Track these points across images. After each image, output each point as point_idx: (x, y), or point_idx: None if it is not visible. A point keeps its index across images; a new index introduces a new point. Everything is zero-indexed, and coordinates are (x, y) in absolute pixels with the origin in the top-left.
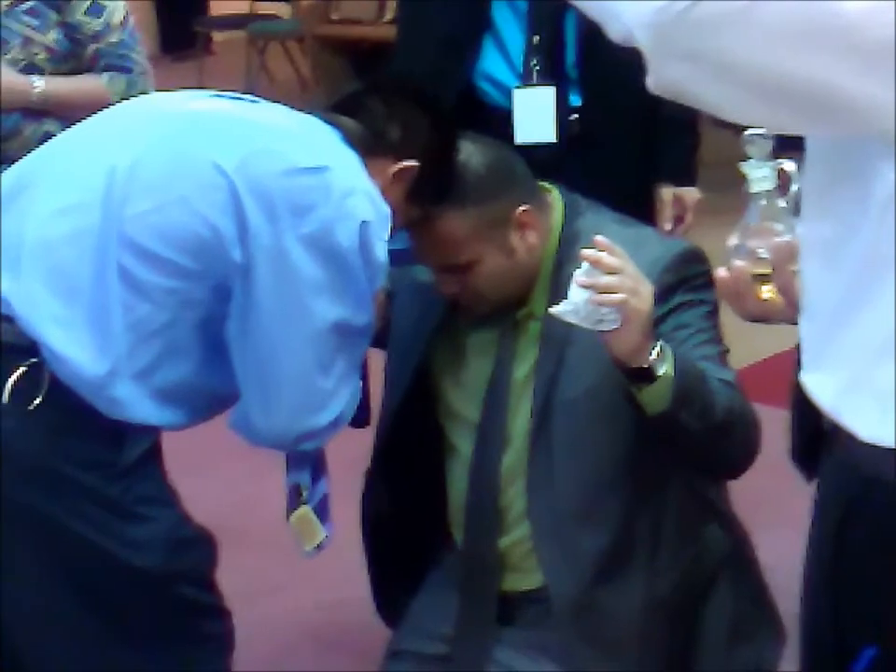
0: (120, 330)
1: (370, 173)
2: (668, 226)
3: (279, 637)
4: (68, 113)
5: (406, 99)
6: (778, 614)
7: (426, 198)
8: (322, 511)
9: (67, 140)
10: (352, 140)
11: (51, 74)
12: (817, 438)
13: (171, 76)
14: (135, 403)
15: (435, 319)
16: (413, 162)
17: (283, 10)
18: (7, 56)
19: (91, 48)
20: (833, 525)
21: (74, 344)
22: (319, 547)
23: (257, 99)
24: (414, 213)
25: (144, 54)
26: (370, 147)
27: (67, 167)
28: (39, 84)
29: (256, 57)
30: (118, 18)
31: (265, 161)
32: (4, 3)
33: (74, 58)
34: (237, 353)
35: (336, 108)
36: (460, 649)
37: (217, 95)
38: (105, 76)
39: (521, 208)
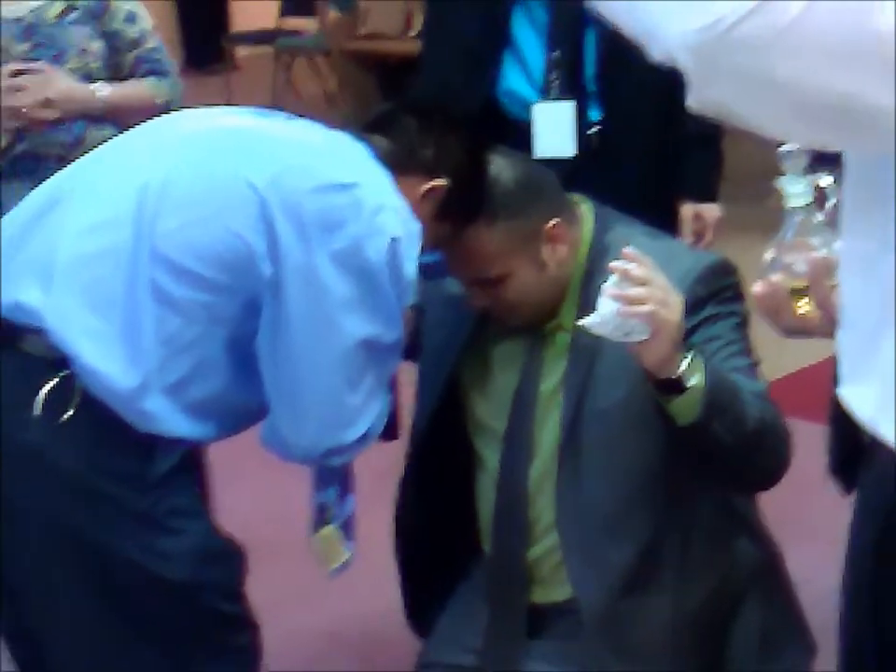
0: (152, 345)
1: (400, 191)
2: (688, 242)
3: (309, 648)
4: (124, 118)
5: (439, 118)
6: (808, 629)
7: (456, 217)
8: (347, 530)
9: (99, 156)
10: (383, 157)
11: (101, 80)
12: (855, 451)
13: (197, 91)
14: (166, 416)
15: (466, 332)
16: (443, 181)
17: (309, 25)
18: (67, 66)
19: (131, 55)
20: (873, 535)
21: (105, 358)
22: (345, 565)
23: (287, 115)
24: (444, 231)
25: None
26: (401, 165)
27: (99, 184)
28: (101, 91)
29: (282, 72)
30: (148, 23)
31: (296, 178)
32: (49, 15)
33: (115, 66)
34: (267, 368)
35: (369, 126)
36: (490, 660)
37: (248, 112)
38: (150, 80)
39: (551, 222)
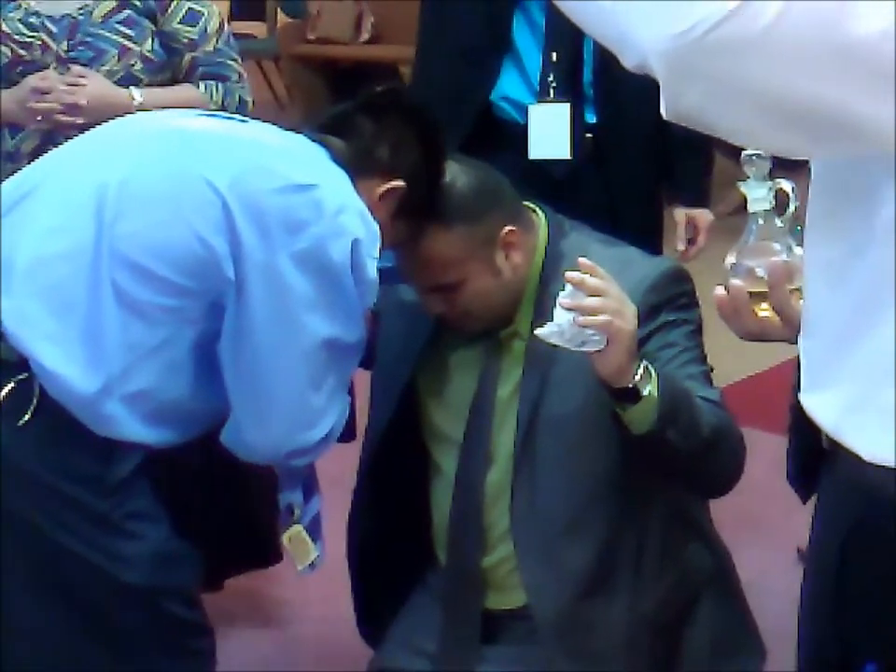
0: (115, 349)
1: (358, 192)
2: (681, 246)
3: (259, 655)
4: None
5: (395, 117)
6: (758, 632)
7: (413, 217)
8: (314, 530)
9: (60, 157)
10: (339, 159)
11: (148, 84)
12: (815, 458)
13: None
14: (126, 421)
15: (421, 339)
16: (400, 182)
17: (259, 30)
18: (104, 67)
19: (188, 56)
20: (836, 542)
21: (65, 361)
22: (312, 566)
23: (244, 118)
24: (402, 232)
25: (240, 62)
26: (358, 167)
27: (59, 184)
28: (137, 96)
29: None
30: (214, 25)
31: (257, 179)
32: (98, 13)
33: (170, 67)
34: (229, 369)
35: (324, 127)
36: (444, 666)
37: (206, 114)
38: (202, 85)
39: (506, 228)
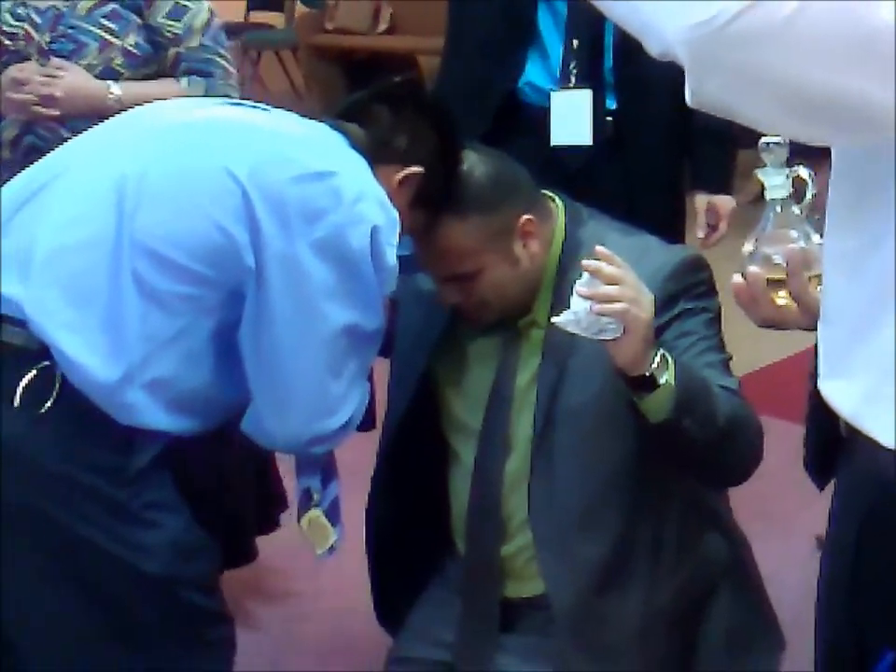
0: (135, 338)
1: (376, 179)
2: (701, 234)
3: (280, 646)
4: None
5: (411, 106)
6: (777, 623)
7: (431, 204)
8: (333, 514)
9: (79, 147)
10: (358, 147)
11: (130, 78)
12: (832, 446)
13: None
14: (147, 409)
15: (438, 328)
16: (418, 169)
17: (277, 20)
18: (83, 61)
19: (172, 51)
20: (853, 529)
21: (87, 350)
22: (332, 549)
23: (265, 106)
24: (420, 219)
25: (229, 58)
26: (376, 154)
27: (78, 175)
28: (116, 90)
29: (249, 66)
30: (200, 21)
31: (276, 168)
32: (82, 6)
33: (155, 61)
34: (250, 358)
35: (342, 115)
36: (462, 655)
37: (225, 103)
38: (184, 80)
39: (524, 217)
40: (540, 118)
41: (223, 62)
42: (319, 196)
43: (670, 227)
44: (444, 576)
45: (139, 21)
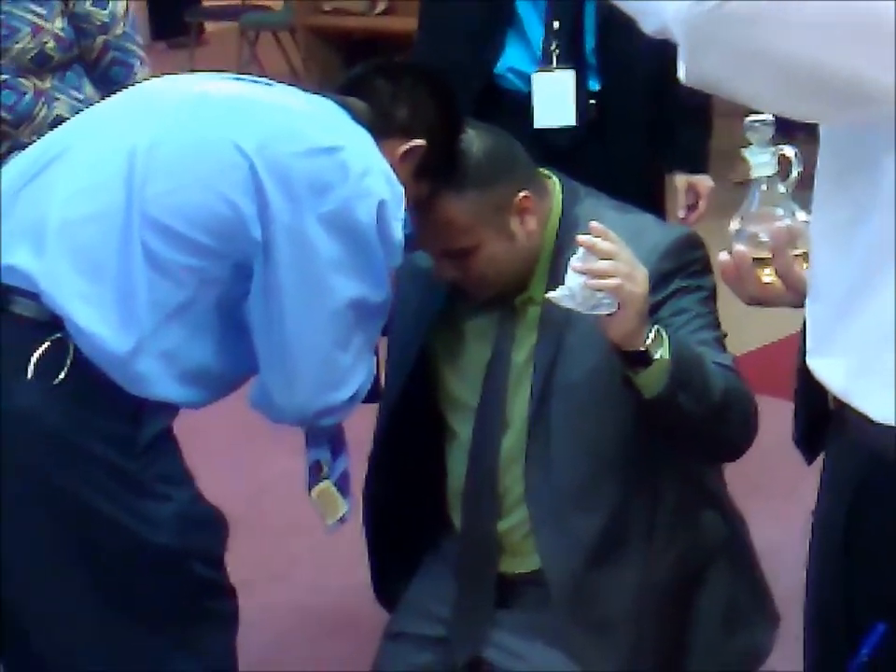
0: (145, 308)
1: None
2: (682, 213)
3: (279, 622)
4: None
5: (411, 79)
6: (772, 599)
7: (433, 176)
8: (343, 486)
9: (86, 120)
10: (361, 121)
11: (59, 62)
12: (821, 420)
13: (162, 64)
14: (159, 380)
15: (435, 306)
16: (421, 141)
17: (275, 2)
18: (18, 45)
19: (100, 39)
20: (843, 504)
21: (99, 321)
22: (342, 520)
23: (269, 81)
24: (422, 191)
25: (141, 43)
26: (378, 128)
27: (87, 148)
28: None
29: (247, 48)
30: (122, 7)
31: (284, 142)
32: None
33: (79, 47)
34: (258, 330)
35: (343, 89)
36: (458, 631)
37: (232, 78)
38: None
39: (521, 194)
40: (524, 102)
41: (139, 50)
42: (327, 170)
43: (651, 207)
44: (441, 552)
45: (62, 6)
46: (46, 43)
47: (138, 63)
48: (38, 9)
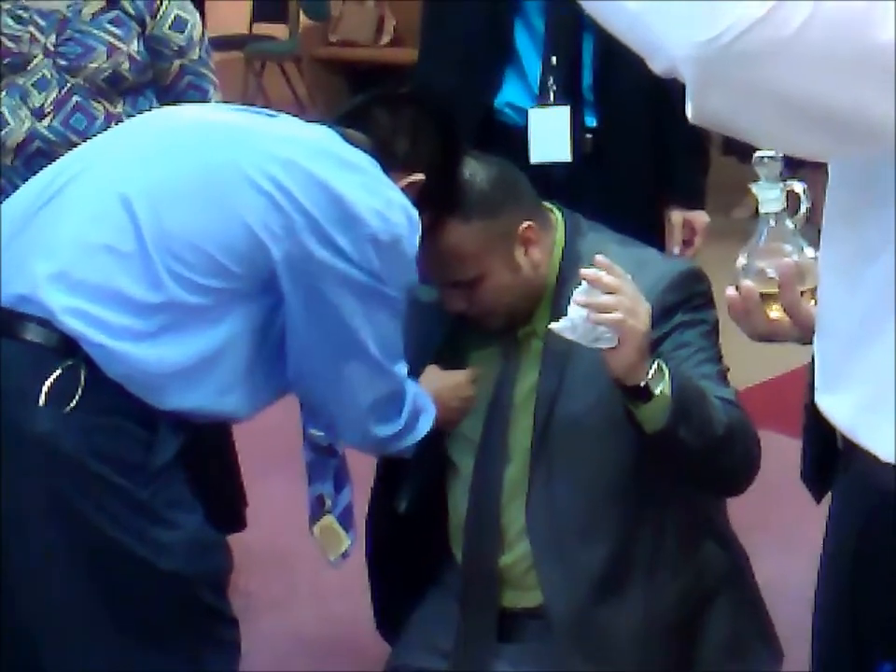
0: (173, 326)
1: None
2: (677, 249)
3: (279, 652)
4: None
5: (410, 110)
6: (775, 634)
7: (434, 207)
8: (345, 520)
9: (89, 152)
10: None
11: (133, 83)
12: (829, 458)
13: None
14: (187, 395)
15: (438, 339)
16: (420, 176)
17: (281, 31)
18: (92, 64)
19: (176, 63)
20: (851, 540)
21: (122, 339)
22: (345, 555)
23: (274, 113)
24: (424, 223)
25: (213, 69)
26: (379, 160)
27: (88, 180)
28: None
29: (253, 78)
30: (198, 33)
31: (304, 170)
32: (86, 11)
33: (154, 70)
34: (306, 365)
35: (343, 120)
36: (460, 664)
37: (239, 108)
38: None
39: (525, 224)
40: (521, 136)
41: (213, 75)
42: (350, 202)
43: (651, 241)
44: (443, 585)
45: (138, 29)
46: (121, 64)
47: (212, 89)
48: (115, 30)
